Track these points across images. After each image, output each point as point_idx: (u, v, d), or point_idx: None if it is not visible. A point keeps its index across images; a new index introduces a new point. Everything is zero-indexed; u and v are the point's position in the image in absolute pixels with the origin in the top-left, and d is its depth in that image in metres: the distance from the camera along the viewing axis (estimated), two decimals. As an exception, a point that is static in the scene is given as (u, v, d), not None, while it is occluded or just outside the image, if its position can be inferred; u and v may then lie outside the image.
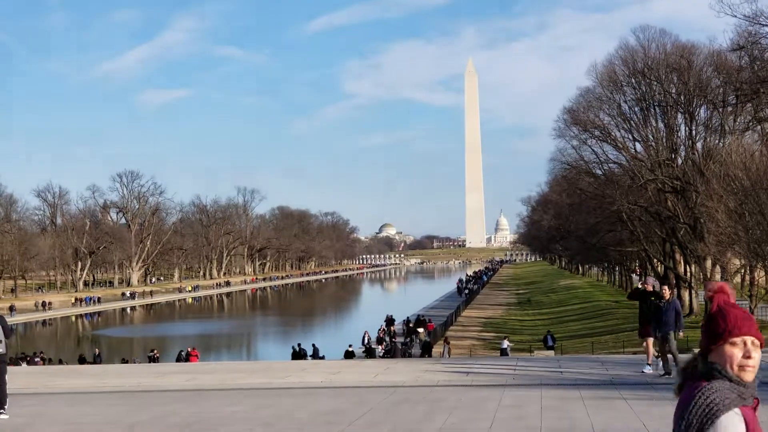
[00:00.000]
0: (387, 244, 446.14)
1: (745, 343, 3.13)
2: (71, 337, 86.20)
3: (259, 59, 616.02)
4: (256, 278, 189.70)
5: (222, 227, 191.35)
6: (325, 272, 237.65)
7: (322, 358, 43.23)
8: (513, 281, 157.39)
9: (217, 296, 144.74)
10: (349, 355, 43.67)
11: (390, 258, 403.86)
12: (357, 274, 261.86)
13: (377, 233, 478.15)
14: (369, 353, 46.86)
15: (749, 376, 3.12)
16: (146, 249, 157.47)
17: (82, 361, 44.79)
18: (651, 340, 17.44)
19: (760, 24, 38.85)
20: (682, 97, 53.49)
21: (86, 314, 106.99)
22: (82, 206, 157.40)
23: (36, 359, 45.11)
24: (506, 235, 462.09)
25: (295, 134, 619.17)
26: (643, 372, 17.09)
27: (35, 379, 20.06)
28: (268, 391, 16.65)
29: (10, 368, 16.83)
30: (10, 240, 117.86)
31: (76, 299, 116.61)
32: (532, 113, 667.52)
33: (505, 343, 44.74)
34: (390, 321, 65.00)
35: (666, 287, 17.60)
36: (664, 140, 55.41)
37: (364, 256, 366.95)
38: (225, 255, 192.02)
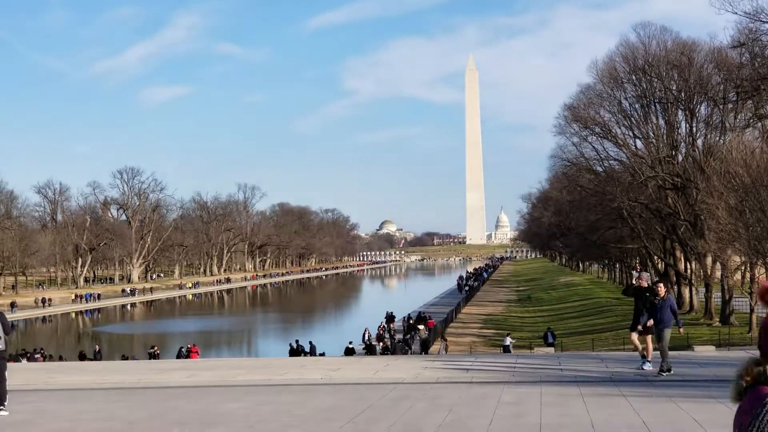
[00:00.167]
0: (387, 241, 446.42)
1: None
2: (71, 334, 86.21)
3: (259, 56, 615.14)
4: (257, 275, 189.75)
5: (222, 224, 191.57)
6: (326, 269, 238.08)
7: (322, 354, 43.24)
8: (513, 278, 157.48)
9: (217, 293, 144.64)
10: (349, 352, 43.65)
11: (390, 255, 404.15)
12: (357, 271, 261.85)
13: (378, 230, 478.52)
14: (369, 350, 46.89)
15: None
16: (146, 245, 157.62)
17: (82, 357, 44.71)
18: (635, 335, 17.61)
19: (761, 21, 38.86)
20: (682, 94, 53.44)
21: (86, 311, 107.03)
22: (83, 203, 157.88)
23: (36, 356, 45.14)
24: (506, 232, 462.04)
25: (295, 131, 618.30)
26: (642, 369, 17.13)
27: (35, 376, 20.06)
28: (268, 388, 16.66)
29: (10, 365, 16.85)
30: (11, 236, 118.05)
31: (76, 296, 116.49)
32: (533, 110, 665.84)
33: (508, 340, 44.81)
34: (390, 318, 65.00)
35: (661, 285, 17.63)
36: (665, 137, 55.37)
37: (365, 253, 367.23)
38: (225, 252, 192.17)
